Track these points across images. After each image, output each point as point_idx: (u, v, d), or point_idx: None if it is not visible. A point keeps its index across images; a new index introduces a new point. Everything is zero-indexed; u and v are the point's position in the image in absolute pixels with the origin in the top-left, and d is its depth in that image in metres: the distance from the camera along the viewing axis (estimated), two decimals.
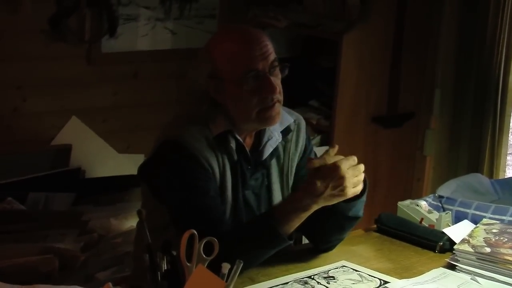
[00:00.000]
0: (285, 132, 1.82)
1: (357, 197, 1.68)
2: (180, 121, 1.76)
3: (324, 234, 1.79)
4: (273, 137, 1.79)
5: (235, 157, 1.73)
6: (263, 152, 1.78)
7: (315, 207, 1.61)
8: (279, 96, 1.70)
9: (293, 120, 1.83)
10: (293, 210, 1.60)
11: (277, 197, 1.82)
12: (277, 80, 1.70)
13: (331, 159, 1.59)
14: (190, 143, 1.67)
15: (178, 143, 1.67)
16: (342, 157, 1.61)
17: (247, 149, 1.76)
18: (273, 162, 1.82)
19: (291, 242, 1.65)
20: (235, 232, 1.65)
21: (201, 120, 1.72)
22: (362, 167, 1.62)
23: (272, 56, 1.69)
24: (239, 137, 1.73)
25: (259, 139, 1.79)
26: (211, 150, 1.69)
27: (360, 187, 1.64)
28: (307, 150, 1.88)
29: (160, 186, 1.73)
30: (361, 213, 1.76)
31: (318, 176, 1.58)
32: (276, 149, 1.80)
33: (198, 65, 1.73)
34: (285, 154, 1.84)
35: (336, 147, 1.63)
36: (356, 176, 1.61)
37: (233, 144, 1.72)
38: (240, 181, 1.75)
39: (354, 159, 1.61)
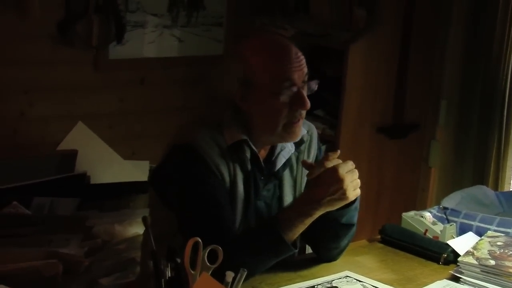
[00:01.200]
0: (298, 143, 1.81)
1: (349, 204, 1.68)
2: (193, 126, 1.75)
3: (321, 242, 1.80)
4: (286, 148, 1.78)
5: (249, 167, 1.72)
6: (275, 162, 1.77)
7: (317, 213, 1.62)
8: (304, 112, 1.69)
9: (306, 131, 1.83)
10: (296, 216, 1.61)
11: None
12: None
13: (330, 163, 1.60)
14: (201, 148, 1.66)
15: (189, 147, 1.66)
16: (340, 161, 1.61)
17: (261, 159, 1.75)
18: (287, 173, 1.81)
19: (295, 250, 1.65)
20: (239, 239, 1.65)
21: (215, 126, 1.70)
22: (357, 172, 1.63)
23: (305, 69, 1.68)
24: (254, 147, 1.72)
25: (271, 149, 1.78)
26: (223, 158, 1.68)
27: (359, 191, 1.64)
28: (318, 159, 1.88)
29: (169, 192, 1.72)
30: (354, 220, 1.76)
31: (318, 181, 1.59)
32: (289, 160, 1.80)
33: (227, 71, 1.71)
34: (298, 165, 1.83)
35: (338, 152, 1.63)
36: (355, 179, 1.61)
37: (248, 154, 1.71)
38: (252, 192, 1.74)
39: (351, 164, 1.62)
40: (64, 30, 3.07)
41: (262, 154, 1.77)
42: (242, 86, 1.67)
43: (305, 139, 1.83)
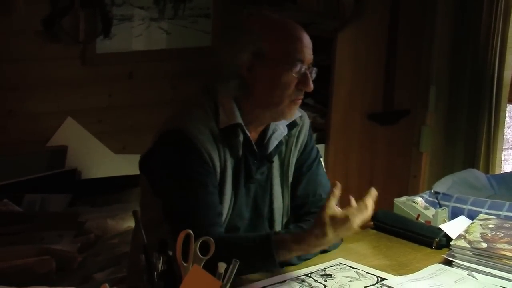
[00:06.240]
0: (291, 126, 1.81)
1: None
2: (184, 111, 1.73)
3: None
4: (278, 130, 1.78)
5: (240, 152, 1.72)
6: (268, 145, 1.77)
7: (315, 251, 1.66)
8: (302, 95, 1.73)
9: (300, 115, 1.84)
10: (295, 247, 1.61)
11: (277, 190, 1.81)
12: None
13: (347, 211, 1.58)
14: (193, 134, 1.65)
15: (180, 133, 1.65)
16: (355, 209, 1.59)
17: (253, 143, 1.75)
18: (276, 156, 1.81)
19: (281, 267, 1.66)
20: (232, 242, 1.63)
21: (207, 111, 1.70)
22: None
23: (312, 57, 1.73)
24: (247, 132, 1.72)
25: (263, 132, 1.78)
26: (214, 143, 1.68)
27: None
28: (307, 146, 1.87)
29: (157, 177, 1.70)
30: None
31: (330, 226, 1.57)
32: (281, 142, 1.80)
33: (239, 42, 1.70)
34: (287, 148, 1.83)
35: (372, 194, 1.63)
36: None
37: (240, 138, 1.71)
38: (243, 177, 1.73)
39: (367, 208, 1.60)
40: (50, 25, 3.06)
41: (253, 137, 1.77)
42: (252, 57, 1.68)
43: (298, 122, 1.83)
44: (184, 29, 3.43)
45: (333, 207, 1.58)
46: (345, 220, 1.56)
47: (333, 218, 1.56)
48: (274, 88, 1.69)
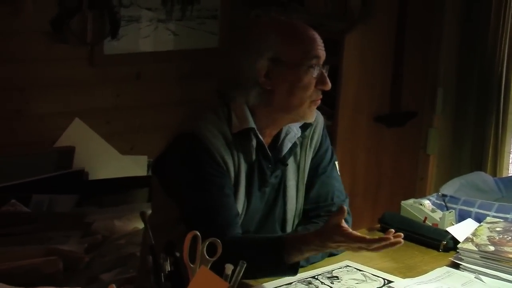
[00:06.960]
0: (304, 127, 1.80)
1: None
2: (198, 115, 1.72)
3: None
4: (291, 132, 1.77)
5: (253, 157, 1.71)
6: (281, 148, 1.77)
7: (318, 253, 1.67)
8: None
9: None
10: (304, 248, 1.60)
11: (291, 192, 1.80)
12: None
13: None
14: (207, 138, 1.65)
15: (194, 136, 1.65)
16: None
17: (266, 147, 1.74)
18: (290, 159, 1.80)
19: (294, 273, 1.64)
20: (242, 244, 1.63)
21: (220, 115, 1.69)
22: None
23: (325, 53, 1.73)
24: (260, 136, 1.71)
25: (276, 135, 1.77)
26: (228, 148, 1.67)
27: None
28: (322, 147, 1.86)
29: (172, 181, 1.70)
30: None
31: (336, 238, 1.56)
32: (295, 145, 1.79)
33: (254, 49, 1.68)
34: (302, 150, 1.82)
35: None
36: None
37: (253, 143, 1.70)
38: (257, 182, 1.73)
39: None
40: (58, 26, 3.07)
41: (267, 141, 1.76)
42: (269, 63, 1.67)
43: (312, 123, 1.82)
44: (191, 30, 3.43)
45: (343, 228, 1.55)
46: (347, 244, 1.57)
47: (339, 235, 1.55)
48: (295, 91, 1.68)
